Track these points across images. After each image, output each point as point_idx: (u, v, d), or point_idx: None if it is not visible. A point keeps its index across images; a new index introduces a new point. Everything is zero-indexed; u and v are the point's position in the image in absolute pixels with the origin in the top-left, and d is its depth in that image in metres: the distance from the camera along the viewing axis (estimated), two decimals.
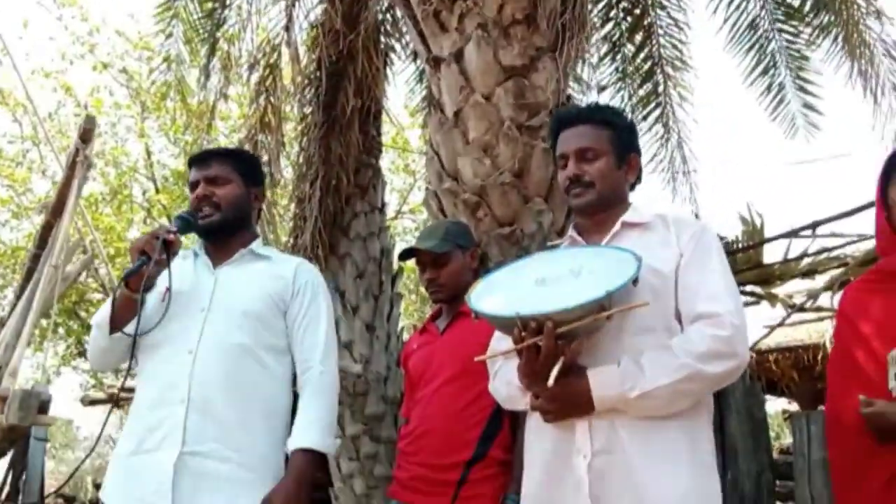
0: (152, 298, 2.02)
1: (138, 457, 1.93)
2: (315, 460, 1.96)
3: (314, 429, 1.97)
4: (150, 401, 1.98)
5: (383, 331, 4.50)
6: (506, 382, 1.82)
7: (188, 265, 2.14)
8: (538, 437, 1.77)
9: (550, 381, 1.57)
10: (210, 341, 1.98)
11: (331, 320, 2.15)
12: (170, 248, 1.95)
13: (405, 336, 4.77)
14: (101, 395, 6.48)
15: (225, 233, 2.15)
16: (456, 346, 2.31)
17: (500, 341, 1.82)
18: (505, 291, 1.74)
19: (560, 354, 1.59)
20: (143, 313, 1.98)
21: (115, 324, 1.99)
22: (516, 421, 2.20)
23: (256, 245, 2.19)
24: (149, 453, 1.92)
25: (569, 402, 1.66)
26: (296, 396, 2.08)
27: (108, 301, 2.03)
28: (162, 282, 1.99)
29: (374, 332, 4.44)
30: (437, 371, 2.33)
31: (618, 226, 1.85)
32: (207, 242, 2.18)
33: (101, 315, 2.03)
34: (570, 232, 1.95)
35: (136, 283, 1.90)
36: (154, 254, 1.89)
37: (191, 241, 2.39)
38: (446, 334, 2.39)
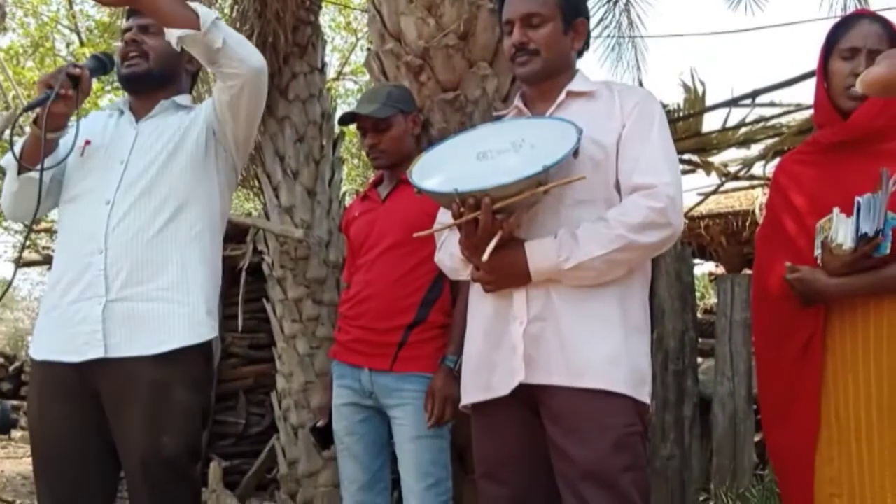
0: (69, 146, 1.95)
1: (63, 309, 1.93)
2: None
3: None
4: (69, 253, 1.96)
5: (325, 196, 4.47)
6: (449, 254, 1.86)
7: (112, 122, 2.08)
8: (479, 304, 1.82)
9: (485, 256, 1.61)
10: (128, 190, 1.95)
11: None
12: (78, 85, 1.86)
13: (347, 201, 4.76)
14: (35, 256, 6.35)
15: (148, 85, 2.06)
16: (398, 213, 2.31)
17: (444, 214, 1.83)
18: (446, 166, 1.74)
19: (498, 229, 1.62)
20: (57, 159, 1.94)
21: (23, 163, 1.92)
22: (456, 286, 2.25)
23: (180, 98, 2.12)
24: (73, 304, 1.91)
25: (506, 273, 1.71)
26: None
27: (11, 146, 1.96)
28: (79, 135, 1.92)
29: (315, 196, 4.41)
30: (379, 238, 2.34)
31: (563, 95, 1.83)
32: (130, 94, 2.10)
33: (9, 155, 1.96)
34: (516, 101, 1.93)
35: (41, 118, 1.83)
36: (57, 86, 1.81)
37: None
38: (388, 201, 2.39)
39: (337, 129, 4.67)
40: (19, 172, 1.95)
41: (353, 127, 2.53)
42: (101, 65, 1.99)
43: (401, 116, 2.39)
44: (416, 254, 2.25)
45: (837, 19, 1.96)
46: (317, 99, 4.52)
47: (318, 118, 4.51)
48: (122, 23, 2.12)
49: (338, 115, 4.74)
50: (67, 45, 12.18)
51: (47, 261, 6.07)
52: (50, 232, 6.25)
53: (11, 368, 9.03)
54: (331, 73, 9.32)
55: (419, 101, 2.66)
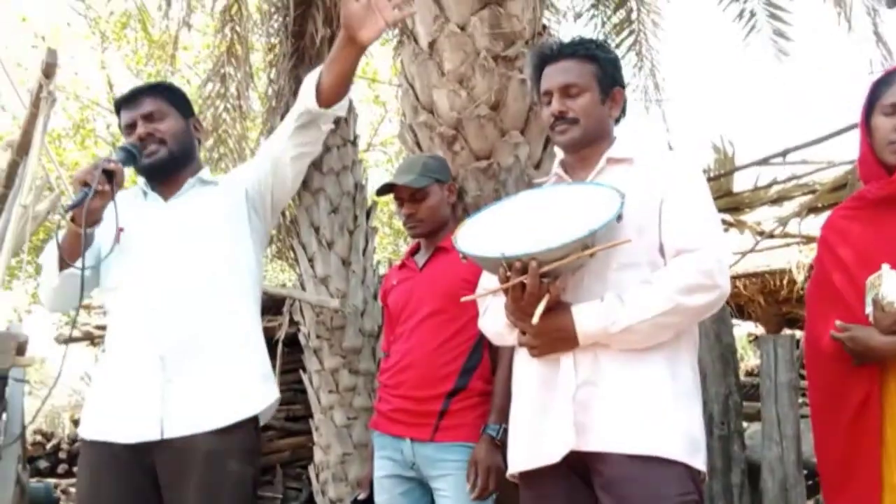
0: (107, 237, 1.98)
1: (116, 391, 1.95)
2: None
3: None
4: (122, 338, 1.99)
5: (359, 265, 4.51)
6: (494, 319, 1.86)
7: (138, 204, 2.11)
8: (526, 369, 1.81)
9: (535, 320, 1.60)
10: (173, 272, 1.98)
11: None
12: (113, 179, 1.90)
13: (381, 270, 4.80)
14: (75, 332, 6.43)
15: (173, 169, 2.10)
16: (435, 282, 2.33)
17: (489, 279, 1.84)
18: (490, 232, 1.76)
19: (545, 292, 1.62)
20: (94, 251, 1.96)
21: (64, 260, 1.94)
22: (496, 353, 2.24)
23: (204, 173, 2.16)
24: (127, 386, 1.93)
25: (554, 337, 1.70)
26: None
27: (55, 238, 1.98)
28: (111, 219, 1.94)
29: (350, 266, 4.46)
30: (417, 306, 2.35)
31: (603, 161, 1.85)
32: (155, 182, 2.13)
33: (49, 253, 1.99)
34: (556, 169, 1.95)
35: (80, 216, 1.86)
36: (94, 183, 1.84)
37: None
38: (425, 270, 2.40)
39: (370, 199, 4.74)
40: (60, 268, 1.98)
41: (385, 196, 2.57)
42: (131, 156, 2.03)
43: (437, 186, 2.42)
44: (454, 321, 2.26)
45: (877, 78, 1.97)
46: (350, 170, 4.62)
47: (352, 189, 4.60)
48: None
49: (369, 185, 4.85)
50: (108, 127, 12.60)
51: (87, 337, 6.15)
52: (88, 308, 6.35)
53: (49, 446, 9.05)
54: (361, 144, 9.53)
55: (453, 169, 2.70)
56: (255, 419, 1.99)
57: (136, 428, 1.90)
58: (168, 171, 2.10)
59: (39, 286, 2.14)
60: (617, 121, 1.95)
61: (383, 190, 2.49)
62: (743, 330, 10.16)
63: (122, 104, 2.14)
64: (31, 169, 3.25)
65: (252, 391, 1.98)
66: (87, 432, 1.98)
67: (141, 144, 2.06)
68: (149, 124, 2.07)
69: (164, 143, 2.06)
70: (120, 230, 2.00)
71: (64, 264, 1.95)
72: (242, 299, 2.05)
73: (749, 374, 7.59)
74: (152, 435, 1.88)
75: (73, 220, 1.90)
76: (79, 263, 1.90)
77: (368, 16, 1.78)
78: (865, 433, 1.78)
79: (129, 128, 2.10)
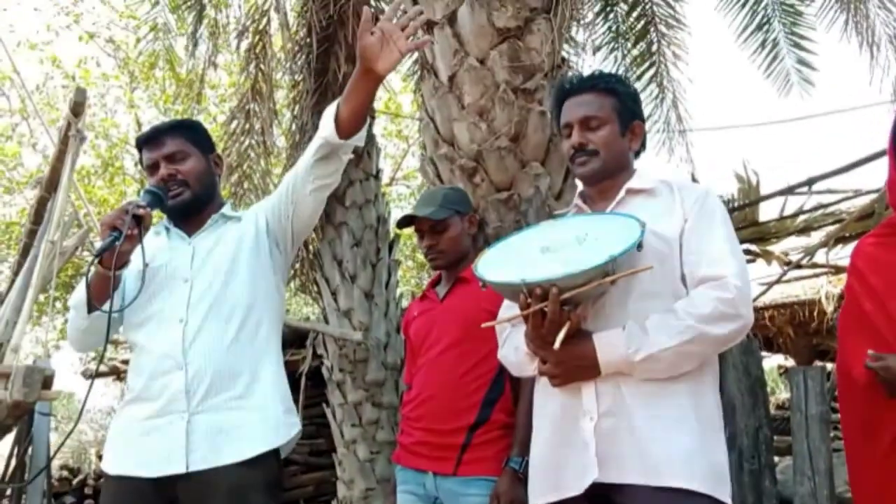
0: (132, 276, 2.01)
1: (140, 425, 1.96)
2: None
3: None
4: (147, 372, 1.99)
5: (382, 298, 4.52)
6: (514, 349, 1.85)
7: (162, 240, 2.13)
8: (547, 400, 1.79)
9: (556, 345, 1.59)
10: (198, 306, 1.99)
11: None
12: (141, 223, 1.92)
13: (404, 303, 4.80)
14: (101, 367, 6.49)
15: (198, 208, 2.12)
16: (456, 312, 2.32)
17: (509, 309, 1.84)
18: (511, 260, 1.76)
19: (565, 320, 1.61)
20: (121, 292, 1.98)
21: (93, 303, 1.96)
22: (518, 385, 2.22)
23: (226, 209, 2.18)
24: (152, 420, 1.94)
25: (575, 366, 1.69)
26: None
27: (83, 281, 1.99)
28: (138, 258, 1.96)
29: (372, 299, 4.46)
30: (438, 337, 2.34)
31: (622, 192, 1.85)
32: (179, 220, 2.15)
33: (78, 296, 2.01)
34: (576, 200, 1.96)
35: (109, 259, 1.88)
36: (124, 228, 1.86)
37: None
38: (446, 301, 2.40)
39: (392, 232, 4.76)
40: (89, 311, 1.99)
41: (407, 229, 2.57)
42: (158, 198, 2.05)
43: (457, 217, 2.43)
44: (475, 352, 2.25)
45: None
46: (373, 204, 4.65)
47: (374, 222, 4.62)
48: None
49: (392, 218, 4.87)
50: (135, 164, 12.82)
51: (113, 372, 6.19)
52: (116, 343, 6.40)
53: (75, 481, 9.07)
54: (384, 178, 9.61)
55: (474, 201, 2.71)
56: (276, 452, 1.98)
57: (161, 462, 1.90)
58: (192, 211, 2.12)
59: (67, 327, 2.16)
60: (637, 154, 1.96)
61: (404, 222, 2.50)
62: (772, 362, 9.99)
63: (143, 143, 2.15)
64: (59, 205, 3.31)
65: (274, 424, 1.98)
66: (111, 467, 1.98)
67: (164, 186, 2.08)
68: (171, 165, 2.08)
69: (187, 184, 2.09)
70: (145, 266, 2.02)
71: (93, 307, 1.97)
72: (265, 333, 2.05)
73: (779, 407, 7.46)
74: (177, 468, 1.88)
75: (101, 263, 1.92)
76: (107, 306, 1.92)
77: (384, 47, 1.79)
78: None
79: (152, 168, 2.12)
